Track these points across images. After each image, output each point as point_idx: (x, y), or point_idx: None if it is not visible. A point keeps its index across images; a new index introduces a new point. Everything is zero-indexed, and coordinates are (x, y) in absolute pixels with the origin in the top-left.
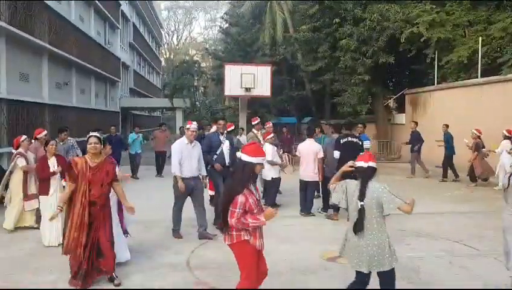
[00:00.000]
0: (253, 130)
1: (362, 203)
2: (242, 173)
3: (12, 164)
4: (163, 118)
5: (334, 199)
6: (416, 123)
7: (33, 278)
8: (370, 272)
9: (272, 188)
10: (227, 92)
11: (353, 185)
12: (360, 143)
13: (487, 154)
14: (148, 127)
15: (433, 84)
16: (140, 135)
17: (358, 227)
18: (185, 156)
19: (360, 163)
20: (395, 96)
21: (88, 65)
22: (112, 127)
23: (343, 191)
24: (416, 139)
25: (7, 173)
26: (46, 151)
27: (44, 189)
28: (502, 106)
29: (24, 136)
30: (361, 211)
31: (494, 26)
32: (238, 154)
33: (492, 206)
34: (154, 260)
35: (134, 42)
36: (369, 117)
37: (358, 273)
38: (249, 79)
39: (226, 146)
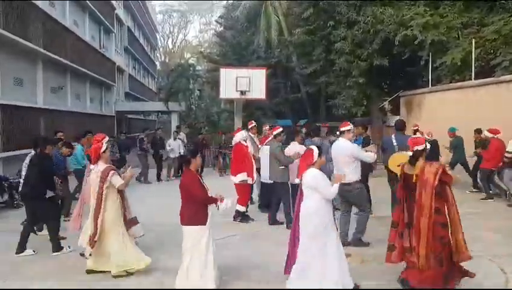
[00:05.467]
0: (249, 133)
1: None
2: None
3: (106, 185)
4: (159, 121)
5: None
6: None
7: (26, 284)
8: None
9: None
10: (223, 94)
11: None
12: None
13: None
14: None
15: (428, 86)
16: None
17: None
18: None
19: None
20: (389, 99)
21: (83, 69)
22: (60, 134)
23: None
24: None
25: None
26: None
27: (202, 216)
28: (496, 107)
29: (105, 145)
30: None
31: (487, 28)
32: None
33: (486, 207)
34: (150, 264)
35: (129, 46)
36: (364, 119)
37: None
38: (244, 82)
39: None
